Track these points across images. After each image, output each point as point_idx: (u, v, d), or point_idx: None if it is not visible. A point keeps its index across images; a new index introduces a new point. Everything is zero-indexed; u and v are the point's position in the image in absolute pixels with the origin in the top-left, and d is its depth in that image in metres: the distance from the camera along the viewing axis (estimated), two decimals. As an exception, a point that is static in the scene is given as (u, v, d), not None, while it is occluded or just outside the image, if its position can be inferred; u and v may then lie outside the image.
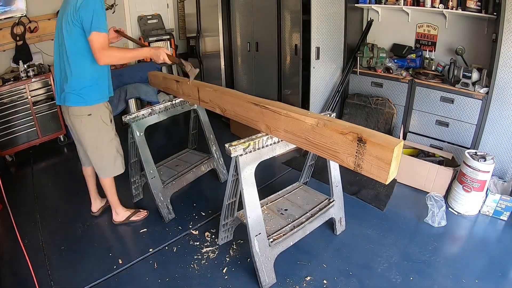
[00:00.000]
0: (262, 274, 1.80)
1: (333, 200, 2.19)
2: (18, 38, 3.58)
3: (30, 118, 3.53)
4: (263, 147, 1.71)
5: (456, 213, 2.46)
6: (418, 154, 2.91)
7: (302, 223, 2.01)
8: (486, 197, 2.39)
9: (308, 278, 1.91)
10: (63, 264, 2.06)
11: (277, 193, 2.33)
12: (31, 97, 3.51)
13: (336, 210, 2.21)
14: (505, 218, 2.37)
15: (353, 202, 2.61)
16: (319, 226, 2.31)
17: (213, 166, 2.84)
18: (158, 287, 1.90)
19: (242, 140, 1.65)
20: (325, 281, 1.89)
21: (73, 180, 3.14)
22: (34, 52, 3.73)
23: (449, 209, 2.50)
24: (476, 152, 2.41)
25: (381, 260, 2.03)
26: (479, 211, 2.45)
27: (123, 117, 2.30)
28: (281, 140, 1.75)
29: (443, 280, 1.88)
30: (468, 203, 2.41)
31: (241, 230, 2.12)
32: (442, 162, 2.74)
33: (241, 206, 1.84)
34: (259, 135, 1.71)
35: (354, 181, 2.86)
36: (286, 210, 2.15)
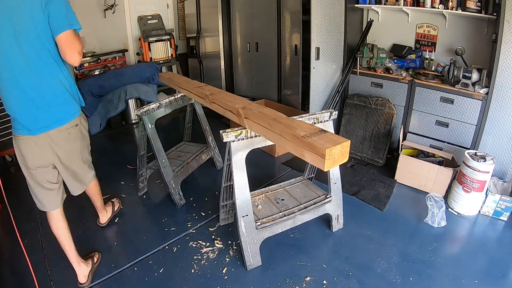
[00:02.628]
0: (247, 254, 1.90)
1: (330, 196, 2.22)
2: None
3: (30, 118, 3.52)
4: (255, 136, 1.80)
5: (456, 214, 2.46)
6: (418, 154, 2.91)
7: (293, 213, 2.10)
8: (486, 198, 2.39)
9: (308, 278, 1.91)
10: (63, 264, 2.06)
11: (279, 184, 2.44)
12: (31, 97, 3.50)
13: (333, 207, 2.24)
14: (505, 219, 2.37)
15: (353, 203, 2.62)
16: (319, 226, 2.33)
17: (210, 155, 3.06)
18: (158, 287, 1.90)
19: (235, 128, 1.76)
20: (325, 282, 1.89)
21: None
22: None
23: (449, 209, 2.50)
24: (476, 153, 2.41)
25: (381, 260, 2.03)
26: (479, 211, 2.45)
27: (135, 111, 2.42)
28: None
29: (443, 281, 1.88)
30: (468, 203, 2.42)
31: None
32: (442, 162, 2.74)
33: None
34: None
35: (354, 182, 2.86)
36: (282, 200, 2.25)
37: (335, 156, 1.29)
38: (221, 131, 1.73)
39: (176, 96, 2.69)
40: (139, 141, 2.58)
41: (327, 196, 2.24)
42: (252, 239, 1.91)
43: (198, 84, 2.43)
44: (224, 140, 1.75)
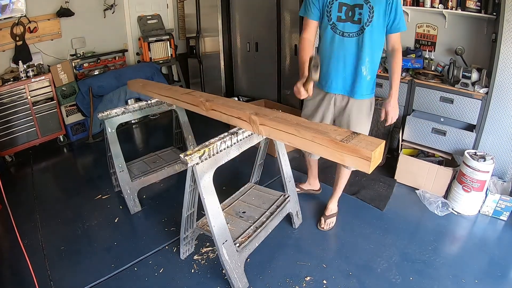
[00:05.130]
0: (234, 280, 1.78)
1: (288, 196, 2.23)
2: (17, 38, 3.58)
3: (30, 118, 3.52)
4: (217, 152, 1.66)
5: (456, 213, 2.46)
6: (418, 154, 2.91)
7: (263, 223, 2.02)
8: (485, 197, 2.39)
9: (308, 278, 1.91)
10: (63, 264, 2.07)
11: (231, 196, 2.31)
12: (31, 97, 3.51)
13: (292, 205, 2.25)
14: (505, 218, 2.37)
15: (353, 202, 2.62)
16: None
17: None
18: (158, 287, 1.90)
19: (196, 148, 1.60)
20: (324, 281, 1.89)
21: (73, 180, 3.15)
22: (33, 52, 3.73)
23: (449, 209, 2.50)
24: (475, 152, 2.41)
25: (381, 260, 2.03)
26: (479, 211, 2.45)
27: (98, 115, 2.40)
28: (234, 144, 1.72)
29: (443, 280, 1.88)
30: (467, 203, 2.42)
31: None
32: (442, 162, 2.74)
33: (199, 215, 1.84)
34: (212, 140, 1.67)
35: (353, 182, 2.86)
36: (244, 212, 2.13)
37: (376, 158, 1.28)
38: (182, 155, 1.55)
39: (149, 101, 2.59)
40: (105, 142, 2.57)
41: (286, 196, 2.24)
42: (235, 264, 1.79)
43: (185, 90, 2.23)
44: (189, 165, 1.56)
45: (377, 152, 1.27)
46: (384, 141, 1.32)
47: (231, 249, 1.76)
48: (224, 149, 1.70)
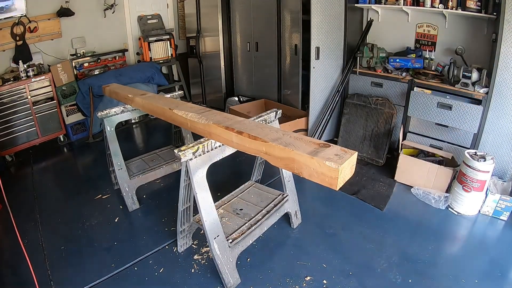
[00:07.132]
0: (225, 275, 1.81)
1: (287, 195, 2.23)
2: (18, 38, 3.58)
3: (30, 118, 3.53)
4: (212, 149, 1.70)
5: (456, 213, 2.46)
6: (418, 154, 2.91)
7: (258, 221, 2.04)
8: (486, 197, 2.39)
9: (308, 278, 1.91)
10: (63, 264, 2.07)
11: (231, 193, 2.33)
12: (31, 97, 3.51)
13: (291, 204, 2.25)
14: (505, 218, 2.37)
15: (353, 202, 2.62)
16: (319, 226, 2.33)
17: None
18: (158, 287, 1.90)
19: (191, 144, 1.64)
20: (325, 281, 1.89)
21: (73, 180, 3.15)
22: (33, 52, 3.73)
23: (449, 209, 2.50)
24: (476, 152, 2.41)
25: (381, 260, 2.03)
26: (479, 211, 2.45)
27: (97, 113, 2.43)
28: None
29: (443, 280, 1.88)
30: (468, 203, 2.41)
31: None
32: (442, 162, 2.74)
33: (196, 210, 1.85)
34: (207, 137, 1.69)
35: (353, 181, 2.86)
36: (241, 209, 2.16)
37: (345, 173, 1.17)
38: (175, 150, 1.59)
39: None
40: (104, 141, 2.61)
41: (284, 195, 2.24)
42: (227, 259, 1.80)
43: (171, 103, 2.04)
44: (182, 160, 1.60)
45: (345, 167, 1.15)
46: (356, 152, 1.21)
47: (222, 244, 1.79)
48: (219, 146, 1.72)
